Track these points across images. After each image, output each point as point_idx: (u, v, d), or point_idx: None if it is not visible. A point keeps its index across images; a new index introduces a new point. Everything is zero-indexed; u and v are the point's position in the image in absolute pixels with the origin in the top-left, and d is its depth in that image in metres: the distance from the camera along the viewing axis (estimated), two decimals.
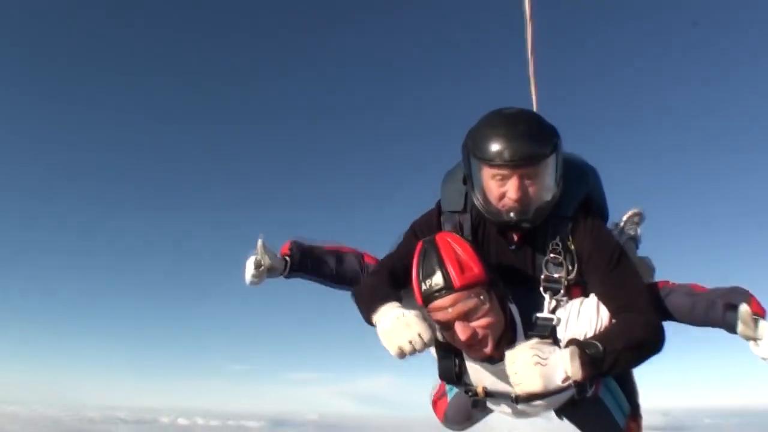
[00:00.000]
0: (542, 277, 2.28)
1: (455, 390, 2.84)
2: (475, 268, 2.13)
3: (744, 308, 2.14)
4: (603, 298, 2.23)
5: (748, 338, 2.17)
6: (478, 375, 2.35)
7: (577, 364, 1.94)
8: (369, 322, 2.21)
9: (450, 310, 2.09)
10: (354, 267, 2.84)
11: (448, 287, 2.09)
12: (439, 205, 2.53)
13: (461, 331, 2.10)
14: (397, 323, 2.05)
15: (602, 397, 2.60)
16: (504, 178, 2.18)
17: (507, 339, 2.20)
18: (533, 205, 2.21)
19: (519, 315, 2.27)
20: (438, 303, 2.11)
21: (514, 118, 2.27)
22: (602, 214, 2.58)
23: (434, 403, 3.11)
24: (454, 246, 2.17)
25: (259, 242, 2.69)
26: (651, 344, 2.16)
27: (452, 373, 2.34)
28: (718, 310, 2.24)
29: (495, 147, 2.16)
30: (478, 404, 2.52)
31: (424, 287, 2.14)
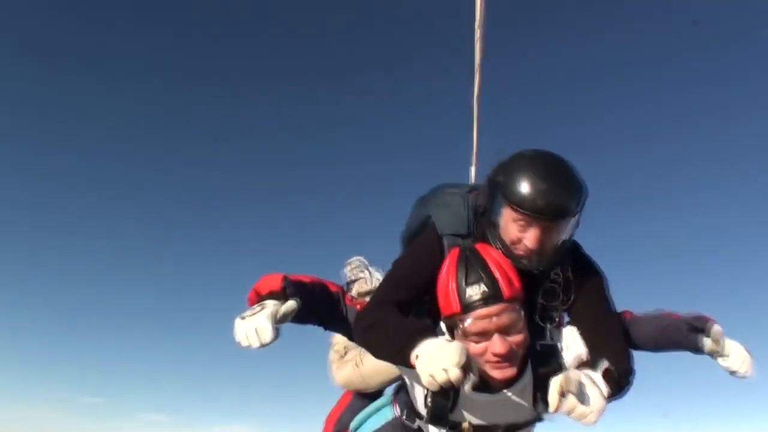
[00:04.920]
0: (539, 305, 2.30)
1: None
2: (517, 283, 2.14)
3: (717, 328, 2.36)
4: (588, 328, 2.32)
5: (715, 354, 2.40)
6: (471, 408, 2.29)
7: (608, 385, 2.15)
8: (406, 360, 1.96)
9: (494, 319, 2.07)
10: (335, 299, 2.56)
11: (496, 296, 2.08)
12: (433, 228, 2.39)
13: (500, 344, 2.06)
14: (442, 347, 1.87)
15: None
16: (526, 225, 2.18)
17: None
18: (547, 256, 2.23)
19: None
20: (483, 311, 2.07)
21: (552, 169, 2.23)
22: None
23: None
24: (498, 258, 2.19)
25: (293, 303, 2.15)
26: (630, 376, 2.33)
27: (446, 409, 2.26)
28: (683, 333, 2.44)
29: (528, 195, 2.13)
30: None
31: (468, 293, 2.10)
